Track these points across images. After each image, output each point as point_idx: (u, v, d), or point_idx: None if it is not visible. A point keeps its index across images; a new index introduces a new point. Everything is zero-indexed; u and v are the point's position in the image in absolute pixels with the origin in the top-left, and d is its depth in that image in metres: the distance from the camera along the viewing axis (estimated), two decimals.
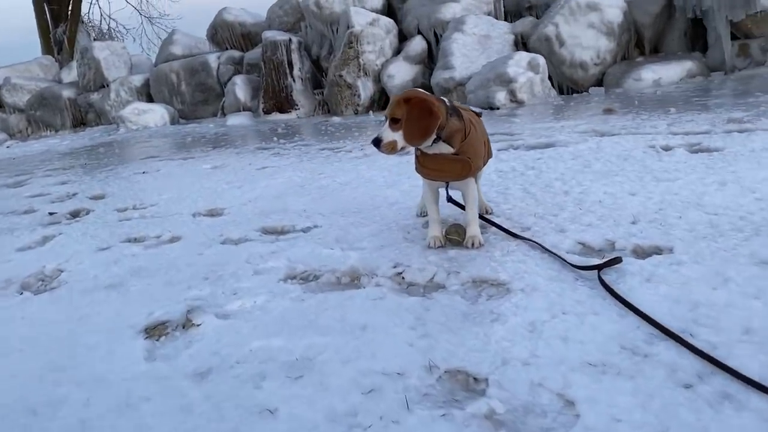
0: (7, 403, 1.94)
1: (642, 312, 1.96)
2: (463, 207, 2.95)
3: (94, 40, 21.21)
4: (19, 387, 2.04)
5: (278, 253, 3.08)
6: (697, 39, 9.46)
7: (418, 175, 2.89)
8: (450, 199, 2.91)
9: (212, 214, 4.19)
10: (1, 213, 5.16)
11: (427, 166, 2.78)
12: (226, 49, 14.95)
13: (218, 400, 1.81)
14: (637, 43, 9.79)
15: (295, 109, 12.14)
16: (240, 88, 13.21)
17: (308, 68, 12.57)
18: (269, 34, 12.74)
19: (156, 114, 13.75)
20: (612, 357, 1.78)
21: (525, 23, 10.44)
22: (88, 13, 24.82)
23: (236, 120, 12.14)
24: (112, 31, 25.87)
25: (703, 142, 4.23)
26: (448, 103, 2.67)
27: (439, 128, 2.59)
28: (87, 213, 4.77)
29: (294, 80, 12.22)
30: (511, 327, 2.02)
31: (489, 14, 10.90)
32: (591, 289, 2.22)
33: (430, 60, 11.12)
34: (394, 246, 2.95)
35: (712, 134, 4.50)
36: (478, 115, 3.04)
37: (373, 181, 4.53)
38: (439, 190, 2.90)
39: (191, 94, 14.52)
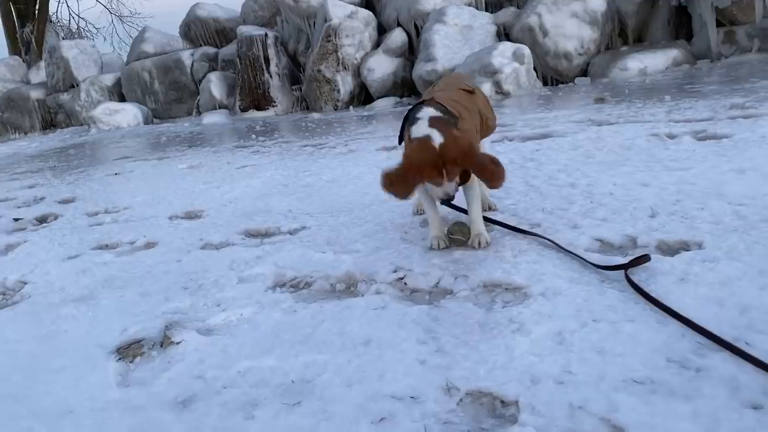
0: None
1: (686, 318, 1.72)
2: (463, 210, 2.70)
3: (63, 39, 20.69)
4: None
5: (264, 257, 2.86)
6: (681, 27, 9.37)
7: None
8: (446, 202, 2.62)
9: (190, 216, 3.99)
10: None
11: None
12: (200, 45, 14.62)
13: None
14: (621, 32, 9.69)
15: (273, 106, 11.87)
16: (215, 85, 12.90)
17: (285, 64, 12.29)
18: (244, 30, 12.46)
19: (128, 114, 13.47)
20: (659, 372, 1.54)
21: (507, 13, 10.27)
22: (57, 12, 24.61)
23: (212, 118, 11.88)
24: (82, 30, 25.66)
25: (708, 129, 4.05)
26: (441, 110, 2.41)
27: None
28: (55, 218, 4.60)
29: (271, 76, 11.94)
30: (536, 338, 1.78)
31: (470, 5, 10.69)
32: (620, 293, 1.98)
33: (410, 52, 10.91)
34: (392, 248, 2.71)
35: (715, 121, 4.32)
36: (470, 92, 2.78)
37: (362, 177, 4.33)
38: None
39: (165, 93, 14.18)
